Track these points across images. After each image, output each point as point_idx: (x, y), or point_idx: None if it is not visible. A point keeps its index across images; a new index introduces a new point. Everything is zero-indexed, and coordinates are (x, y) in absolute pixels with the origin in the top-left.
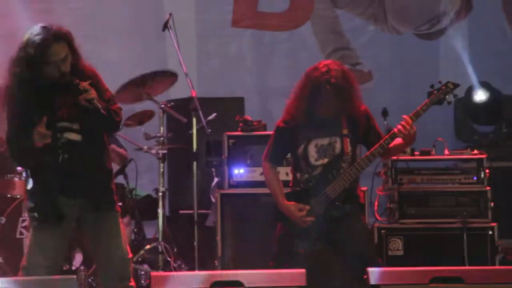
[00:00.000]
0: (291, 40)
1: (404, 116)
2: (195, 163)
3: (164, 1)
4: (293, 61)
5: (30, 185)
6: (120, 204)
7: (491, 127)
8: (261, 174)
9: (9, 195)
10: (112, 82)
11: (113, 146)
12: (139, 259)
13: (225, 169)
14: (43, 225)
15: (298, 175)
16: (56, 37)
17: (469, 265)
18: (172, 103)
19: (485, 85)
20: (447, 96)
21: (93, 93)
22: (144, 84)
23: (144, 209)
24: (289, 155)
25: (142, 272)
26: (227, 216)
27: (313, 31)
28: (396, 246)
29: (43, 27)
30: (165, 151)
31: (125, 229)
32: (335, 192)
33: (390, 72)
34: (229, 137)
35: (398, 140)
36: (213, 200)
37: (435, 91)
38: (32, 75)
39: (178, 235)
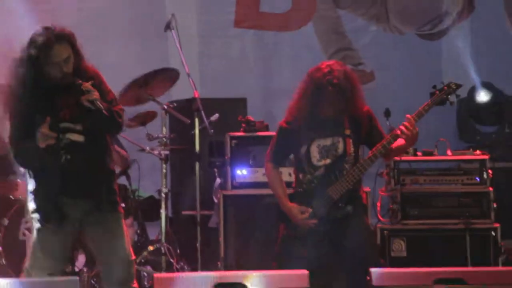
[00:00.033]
0: (294, 40)
1: (408, 115)
2: (197, 164)
3: (166, 2)
4: (295, 61)
5: (31, 186)
6: (123, 205)
7: (494, 128)
8: (264, 174)
9: (11, 197)
10: (115, 83)
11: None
12: (142, 260)
13: (227, 170)
14: (45, 226)
15: (300, 175)
16: (58, 38)
17: (472, 266)
18: (175, 104)
19: (487, 86)
20: (449, 97)
21: (95, 94)
22: (146, 84)
23: (146, 210)
24: (291, 156)
25: (145, 274)
26: (230, 217)
27: (315, 31)
28: (399, 247)
29: (46, 28)
30: (167, 152)
31: (128, 230)
32: (338, 193)
33: (392, 73)
34: (232, 137)
35: (401, 141)
36: (215, 201)
37: (438, 92)
38: (34, 75)
39: (181, 236)
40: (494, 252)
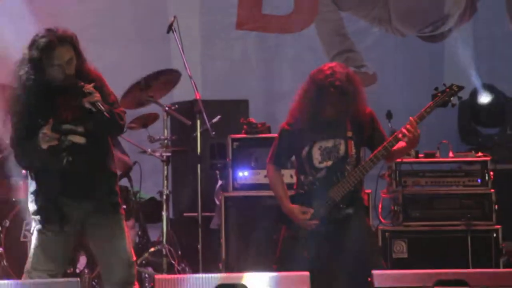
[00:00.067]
0: (296, 42)
1: (410, 117)
2: (199, 165)
3: (168, 4)
4: (297, 63)
5: (32, 188)
6: (124, 207)
7: (496, 130)
8: (265, 176)
9: (13, 199)
10: (116, 85)
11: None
12: (143, 262)
13: (229, 172)
14: (46, 227)
15: (302, 177)
16: (61, 40)
17: (473, 267)
18: (176, 106)
19: (489, 88)
20: (451, 99)
21: (97, 96)
22: (148, 86)
23: (148, 212)
24: (293, 158)
25: (146, 275)
26: (231, 219)
27: (317, 33)
28: (400, 248)
29: (48, 30)
30: (169, 154)
31: (129, 232)
32: (339, 195)
33: (394, 75)
34: (234, 139)
35: (402, 143)
36: (217, 202)
37: (440, 94)
38: (37, 77)
39: (182, 237)
40: (495, 253)
